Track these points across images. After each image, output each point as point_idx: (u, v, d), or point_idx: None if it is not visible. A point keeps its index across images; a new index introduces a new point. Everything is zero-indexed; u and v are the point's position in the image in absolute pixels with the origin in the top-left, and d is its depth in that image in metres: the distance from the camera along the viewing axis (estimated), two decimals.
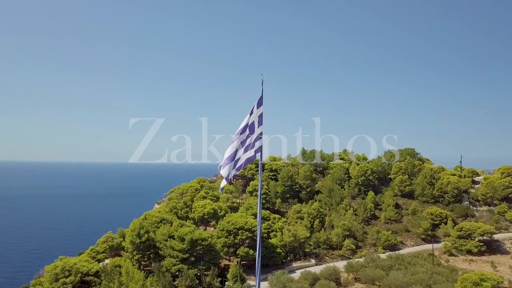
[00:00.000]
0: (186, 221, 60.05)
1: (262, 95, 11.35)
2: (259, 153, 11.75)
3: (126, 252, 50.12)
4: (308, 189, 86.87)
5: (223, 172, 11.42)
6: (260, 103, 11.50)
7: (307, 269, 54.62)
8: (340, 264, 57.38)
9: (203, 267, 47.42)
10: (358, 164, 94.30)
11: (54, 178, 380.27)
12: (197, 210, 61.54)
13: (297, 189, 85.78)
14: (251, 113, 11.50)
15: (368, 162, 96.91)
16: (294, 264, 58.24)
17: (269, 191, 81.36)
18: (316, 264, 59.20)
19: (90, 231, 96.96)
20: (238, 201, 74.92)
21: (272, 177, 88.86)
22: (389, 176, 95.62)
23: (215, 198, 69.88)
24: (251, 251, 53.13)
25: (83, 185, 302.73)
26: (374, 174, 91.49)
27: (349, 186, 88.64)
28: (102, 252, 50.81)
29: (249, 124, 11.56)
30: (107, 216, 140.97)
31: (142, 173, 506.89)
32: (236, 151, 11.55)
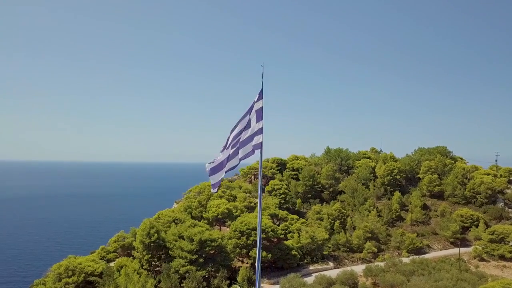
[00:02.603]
0: (200, 221, 58.89)
1: (262, 88, 10.43)
2: (259, 149, 10.49)
3: (137, 252, 49.43)
4: (331, 189, 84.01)
5: (215, 176, 10.67)
6: (260, 97, 10.53)
7: (324, 272, 52.23)
8: (360, 268, 54.50)
9: (212, 269, 45.96)
10: (385, 163, 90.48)
11: (80, 178, 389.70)
12: (211, 210, 60.27)
13: (319, 189, 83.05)
14: (251, 108, 10.59)
15: (396, 161, 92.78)
16: (311, 267, 55.86)
17: (290, 191, 79.16)
18: (335, 268, 56.55)
19: (109, 230, 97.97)
20: (256, 201, 73.14)
21: (293, 176, 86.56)
22: (417, 176, 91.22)
23: (232, 198, 68.46)
24: (263, 253, 51.21)
25: (106, 185, 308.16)
26: (401, 174, 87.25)
27: (374, 186, 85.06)
28: (113, 252, 50.32)
29: (245, 119, 10.62)
30: (127, 215, 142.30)
31: (167, 173, 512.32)
32: (229, 149, 10.68)
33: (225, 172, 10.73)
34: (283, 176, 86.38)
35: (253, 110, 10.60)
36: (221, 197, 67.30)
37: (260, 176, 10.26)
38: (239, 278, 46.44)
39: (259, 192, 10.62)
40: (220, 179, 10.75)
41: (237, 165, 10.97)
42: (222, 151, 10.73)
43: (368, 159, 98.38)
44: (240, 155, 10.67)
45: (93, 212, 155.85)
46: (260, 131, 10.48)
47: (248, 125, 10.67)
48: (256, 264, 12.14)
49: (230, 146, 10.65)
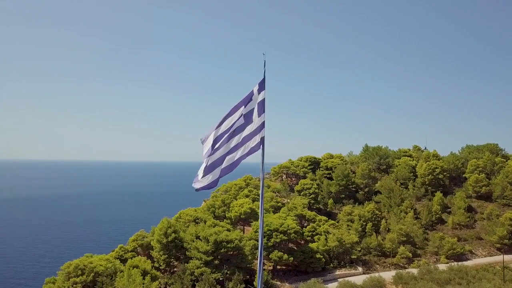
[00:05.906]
0: (223, 220, 57.28)
1: (264, 78, 9.61)
2: (261, 146, 9.75)
3: (155, 251, 48.60)
4: (366, 189, 79.56)
5: (209, 175, 9.49)
6: (261, 88, 9.70)
7: (351, 278, 48.86)
8: (390, 274, 50.44)
9: (228, 271, 44.05)
10: (426, 161, 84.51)
11: (113, 177, 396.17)
12: (233, 209, 58.47)
13: (353, 189, 78.89)
14: (248, 100, 9.66)
15: (439, 159, 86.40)
16: (338, 272, 52.50)
17: (322, 190, 75.85)
18: (364, 273, 52.76)
19: (136, 228, 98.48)
20: (285, 201, 70.50)
21: (327, 176, 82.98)
22: (463, 175, 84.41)
23: (258, 197, 66.29)
24: (285, 256, 48.66)
25: (140, 183, 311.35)
26: (444, 173, 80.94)
27: (414, 186, 79.61)
28: (131, 251, 49.73)
29: (244, 113, 9.69)
30: (156, 213, 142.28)
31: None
32: (225, 145, 9.61)
33: (222, 175, 9.61)
34: (315, 175, 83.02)
35: (255, 102, 9.72)
36: (247, 196, 65.44)
37: (262, 175, 9.44)
38: (255, 282, 44.22)
39: (261, 192, 9.66)
40: (211, 181, 9.43)
41: (237, 165, 9.85)
42: (213, 146, 9.43)
43: (409, 158, 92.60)
44: (241, 154, 9.71)
45: (124, 211, 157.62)
46: (262, 125, 9.68)
47: (248, 120, 9.72)
48: (257, 266, 11.22)
49: (225, 143, 9.51)
